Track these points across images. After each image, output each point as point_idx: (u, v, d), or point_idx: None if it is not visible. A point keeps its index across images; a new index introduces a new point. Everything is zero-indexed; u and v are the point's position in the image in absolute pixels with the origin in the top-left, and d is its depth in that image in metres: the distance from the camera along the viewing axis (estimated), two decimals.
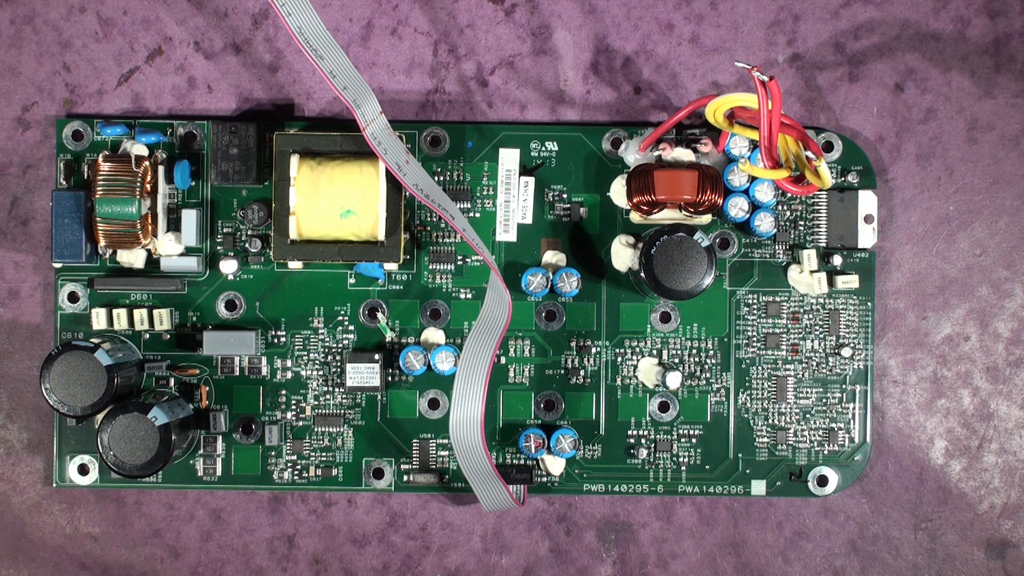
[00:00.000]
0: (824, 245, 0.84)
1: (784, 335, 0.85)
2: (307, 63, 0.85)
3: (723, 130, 0.82)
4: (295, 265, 0.83)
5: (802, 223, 0.85)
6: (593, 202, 0.85)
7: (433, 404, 0.85)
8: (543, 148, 0.85)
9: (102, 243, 0.82)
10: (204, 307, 0.84)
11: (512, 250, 0.85)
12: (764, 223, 0.83)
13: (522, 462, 0.85)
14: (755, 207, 0.83)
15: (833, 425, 0.85)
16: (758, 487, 0.85)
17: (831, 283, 0.84)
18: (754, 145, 0.82)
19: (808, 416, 0.85)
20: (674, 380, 0.84)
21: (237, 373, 0.84)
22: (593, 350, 0.85)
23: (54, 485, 0.84)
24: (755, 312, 0.85)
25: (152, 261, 0.84)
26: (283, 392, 0.85)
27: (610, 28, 0.85)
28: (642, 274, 0.80)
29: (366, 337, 0.85)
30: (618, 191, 0.84)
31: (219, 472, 0.84)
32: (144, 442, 0.78)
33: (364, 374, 0.83)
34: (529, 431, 0.84)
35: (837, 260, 0.84)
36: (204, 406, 0.84)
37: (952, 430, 0.86)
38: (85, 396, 0.79)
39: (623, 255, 0.84)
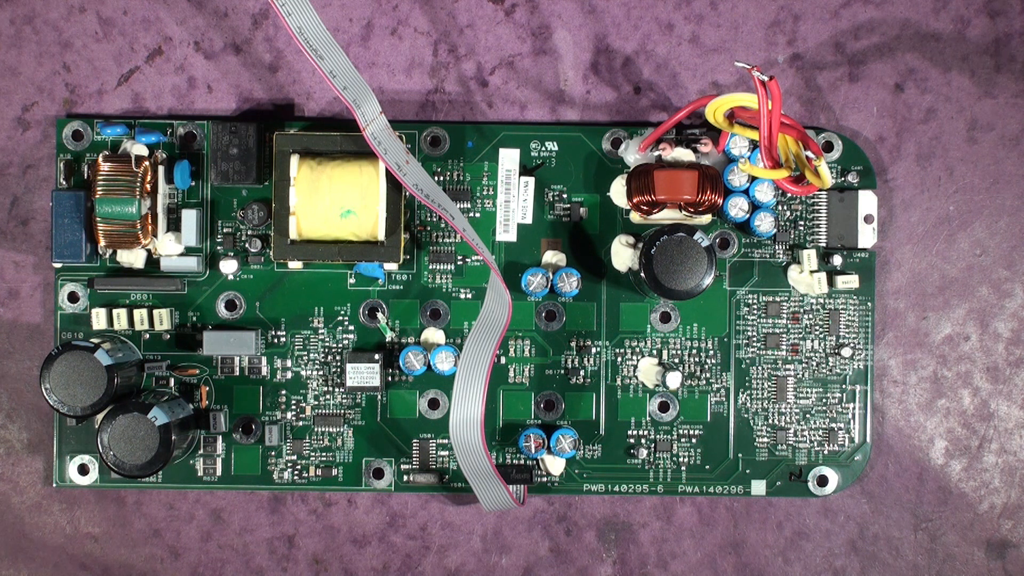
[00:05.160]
0: (824, 245, 0.84)
1: (784, 335, 0.85)
2: (307, 63, 0.85)
3: (723, 130, 0.82)
4: (295, 265, 0.83)
5: (802, 223, 0.85)
6: (593, 202, 0.85)
7: (433, 404, 0.85)
8: (543, 148, 0.85)
9: (102, 243, 0.82)
10: (204, 307, 0.84)
11: (512, 250, 0.85)
12: (764, 223, 0.83)
13: (522, 462, 0.85)
14: (755, 207, 0.83)
15: (833, 425, 0.85)
16: (758, 487, 0.85)
17: (831, 283, 0.84)
18: (754, 145, 0.82)
19: (808, 416, 0.85)
20: (674, 380, 0.84)
21: (237, 373, 0.84)
22: (593, 350, 0.85)
23: (54, 485, 0.84)
24: (755, 312, 0.85)
25: (152, 261, 0.84)
26: (283, 392, 0.85)
27: (610, 28, 0.85)
28: (642, 274, 0.80)
29: (366, 337, 0.85)
30: (618, 191, 0.84)
31: (219, 472, 0.84)
32: (144, 442, 0.78)
33: (364, 374, 0.83)
34: (529, 431, 0.84)
35: (837, 260, 0.84)
36: (204, 406, 0.84)
37: (952, 430, 0.86)
38: (85, 396, 0.79)
39: (623, 255, 0.84)
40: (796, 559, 0.86)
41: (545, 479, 0.85)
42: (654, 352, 0.85)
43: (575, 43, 0.86)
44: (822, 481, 0.85)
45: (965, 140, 0.86)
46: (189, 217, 0.83)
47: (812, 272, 0.84)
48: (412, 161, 0.81)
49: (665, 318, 0.85)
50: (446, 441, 0.85)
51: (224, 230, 0.84)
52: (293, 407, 0.85)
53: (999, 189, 0.86)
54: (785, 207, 0.85)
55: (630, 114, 0.86)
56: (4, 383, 0.86)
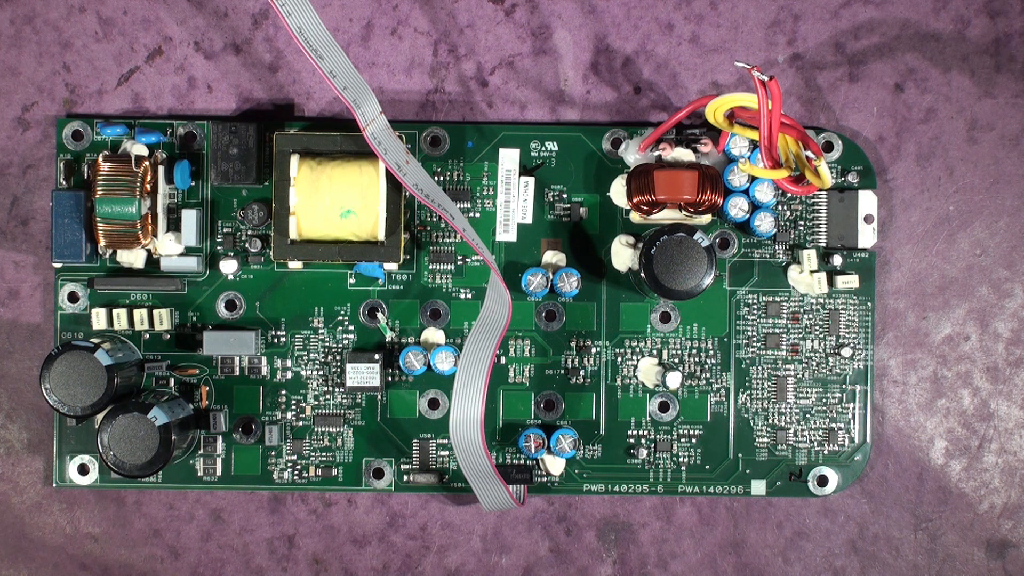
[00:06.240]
0: (824, 245, 0.84)
1: (784, 335, 0.85)
2: (307, 63, 0.85)
3: (723, 130, 0.82)
4: (295, 265, 0.83)
5: (802, 223, 0.85)
6: (593, 202, 0.85)
7: (433, 404, 0.85)
8: (543, 148, 0.85)
9: (102, 243, 0.82)
10: (204, 307, 0.84)
11: (512, 250, 0.85)
12: (764, 223, 0.83)
13: (522, 462, 0.85)
14: (755, 207, 0.83)
15: (833, 425, 0.85)
16: (758, 487, 0.85)
17: (831, 283, 0.84)
18: (754, 145, 0.82)
19: (808, 416, 0.85)
20: (674, 380, 0.84)
21: (237, 373, 0.84)
22: (593, 350, 0.85)
23: (54, 485, 0.84)
24: (755, 312, 0.85)
25: (152, 261, 0.84)
26: (283, 392, 0.85)
27: (610, 28, 0.85)
28: (642, 274, 0.80)
29: (366, 337, 0.85)
30: (618, 191, 0.84)
31: (219, 472, 0.84)
32: (144, 442, 0.78)
33: (364, 374, 0.83)
34: (529, 431, 0.84)
35: (837, 260, 0.84)
36: (204, 406, 0.84)
37: (952, 430, 0.86)
38: (85, 396, 0.79)
39: (623, 255, 0.84)
40: (796, 559, 0.86)
41: (545, 479, 0.85)
42: (654, 352, 0.85)
43: (575, 43, 0.85)
44: (822, 481, 0.85)
45: (965, 140, 0.86)
46: (189, 217, 0.83)
47: (812, 272, 0.84)
48: (412, 161, 0.81)
49: (665, 318, 0.85)
50: (446, 441, 0.85)
51: (224, 230, 0.84)
52: (293, 407, 0.85)
53: (999, 189, 0.86)
54: (785, 207, 0.85)
55: (630, 114, 0.86)
56: (4, 383, 0.86)
